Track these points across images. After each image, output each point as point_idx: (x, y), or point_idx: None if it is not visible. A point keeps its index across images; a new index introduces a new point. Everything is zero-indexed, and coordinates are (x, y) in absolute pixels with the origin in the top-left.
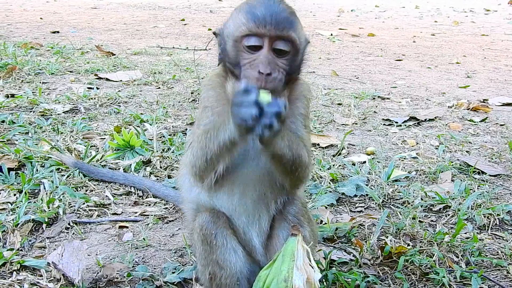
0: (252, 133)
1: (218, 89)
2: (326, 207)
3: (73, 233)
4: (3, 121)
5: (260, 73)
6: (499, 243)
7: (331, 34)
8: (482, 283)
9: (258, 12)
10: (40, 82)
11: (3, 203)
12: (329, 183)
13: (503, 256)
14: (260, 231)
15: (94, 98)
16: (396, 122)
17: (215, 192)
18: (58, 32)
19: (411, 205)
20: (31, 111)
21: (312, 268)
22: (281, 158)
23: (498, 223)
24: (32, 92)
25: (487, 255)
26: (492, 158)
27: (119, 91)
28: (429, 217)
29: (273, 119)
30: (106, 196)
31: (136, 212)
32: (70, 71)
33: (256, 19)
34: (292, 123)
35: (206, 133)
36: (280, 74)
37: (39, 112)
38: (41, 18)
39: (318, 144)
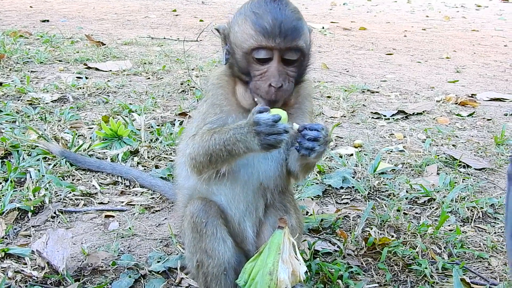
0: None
1: (227, 88)
2: (312, 199)
3: (59, 222)
4: None
5: (271, 87)
6: (482, 236)
7: (323, 27)
8: (464, 274)
9: (266, 24)
10: (28, 71)
11: None
12: (316, 175)
13: (485, 248)
14: (256, 220)
15: (83, 88)
16: (385, 116)
17: (217, 178)
18: (48, 21)
19: (396, 198)
20: (18, 100)
21: (298, 260)
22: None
23: (481, 216)
24: (20, 81)
25: (469, 247)
26: (477, 152)
27: (108, 81)
28: (414, 209)
29: (315, 143)
30: (93, 185)
31: (122, 202)
32: (59, 60)
33: (265, 32)
34: (302, 121)
35: (211, 135)
36: (291, 84)
37: (27, 100)
38: (31, 7)
39: None
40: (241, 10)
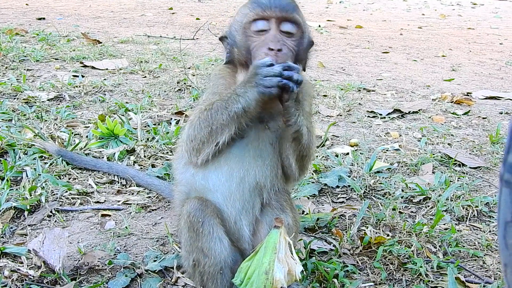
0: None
1: (229, 78)
2: (308, 198)
3: (55, 221)
4: None
5: (270, 49)
6: (476, 234)
7: (319, 26)
8: (458, 273)
9: (262, 0)
10: (24, 69)
11: None
12: (312, 174)
13: (479, 246)
14: (252, 219)
15: (79, 86)
16: (380, 114)
17: (213, 173)
18: (44, 18)
19: (392, 196)
20: (15, 98)
21: (294, 260)
22: (301, 138)
23: (476, 215)
24: (16, 79)
25: (464, 246)
26: (473, 151)
27: (104, 79)
28: (409, 208)
29: (299, 75)
30: (89, 184)
31: (119, 201)
32: (56, 59)
33: (262, 4)
34: None
35: (211, 105)
36: (290, 51)
37: (23, 99)
38: (26, 4)
39: None
40: (241, 6)
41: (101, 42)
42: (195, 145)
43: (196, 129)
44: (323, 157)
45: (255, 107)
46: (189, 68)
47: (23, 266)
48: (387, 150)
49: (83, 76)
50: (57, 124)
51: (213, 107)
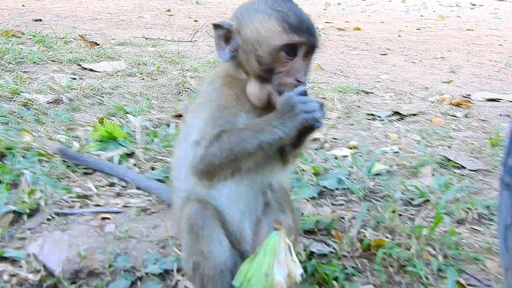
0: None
1: (236, 88)
2: (307, 200)
3: (55, 224)
4: None
5: (298, 82)
6: (476, 237)
7: (317, 28)
8: (459, 276)
9: (293, 21)
10: (21, 71)
11: None
12: (311, 176)
13: (480, 249)
14: (255, 219)
15: (77, 89)
16: (379, 117)
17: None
18: (40, 20)
19: (391, 199)
20: (12, 101)
21: (294, 262)
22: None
23: (476, 217)
24: (13, 81)
25: (464, 249)
26: (472, 153)
27: (102, 82)
28: (409, 211)
29: (322, 111)
30: (89, 187)
31: (118, 204)
32: (53, 61)
33: (295, 29)
34: None
35: (238, 132)
36: (306, 79)
37: (21, 102)
38: (23, 5)
39: None
40: (255, 7)
41: (98, 44)
42: (210, 169)
43: (216, 157)
44: (322, 159)
45: (292, 136)
46: (187, 70)
47: (22, 270)
48: (386, 153)
49: (81, 79)
50: (55, 127)
51: (239, 136)
